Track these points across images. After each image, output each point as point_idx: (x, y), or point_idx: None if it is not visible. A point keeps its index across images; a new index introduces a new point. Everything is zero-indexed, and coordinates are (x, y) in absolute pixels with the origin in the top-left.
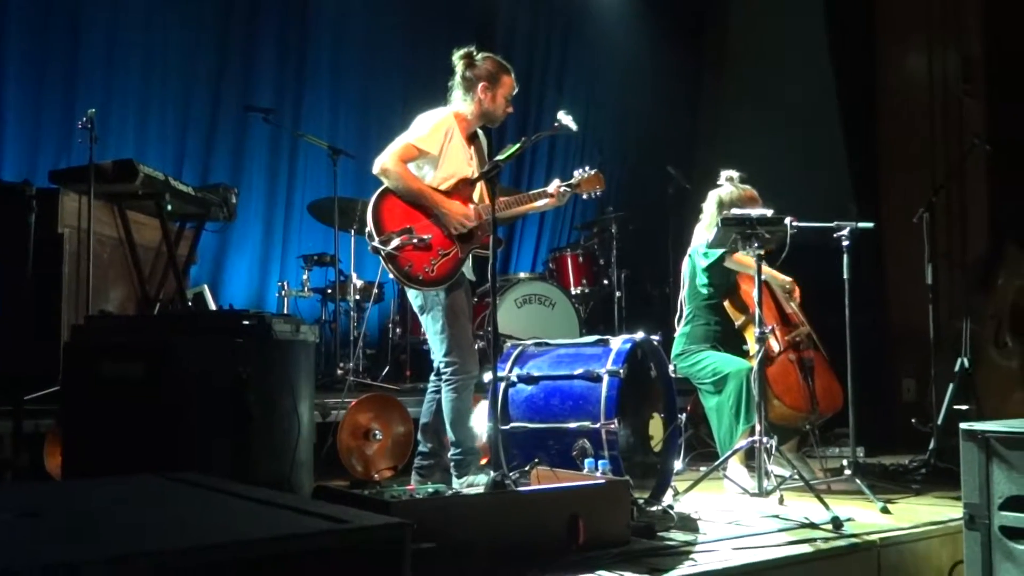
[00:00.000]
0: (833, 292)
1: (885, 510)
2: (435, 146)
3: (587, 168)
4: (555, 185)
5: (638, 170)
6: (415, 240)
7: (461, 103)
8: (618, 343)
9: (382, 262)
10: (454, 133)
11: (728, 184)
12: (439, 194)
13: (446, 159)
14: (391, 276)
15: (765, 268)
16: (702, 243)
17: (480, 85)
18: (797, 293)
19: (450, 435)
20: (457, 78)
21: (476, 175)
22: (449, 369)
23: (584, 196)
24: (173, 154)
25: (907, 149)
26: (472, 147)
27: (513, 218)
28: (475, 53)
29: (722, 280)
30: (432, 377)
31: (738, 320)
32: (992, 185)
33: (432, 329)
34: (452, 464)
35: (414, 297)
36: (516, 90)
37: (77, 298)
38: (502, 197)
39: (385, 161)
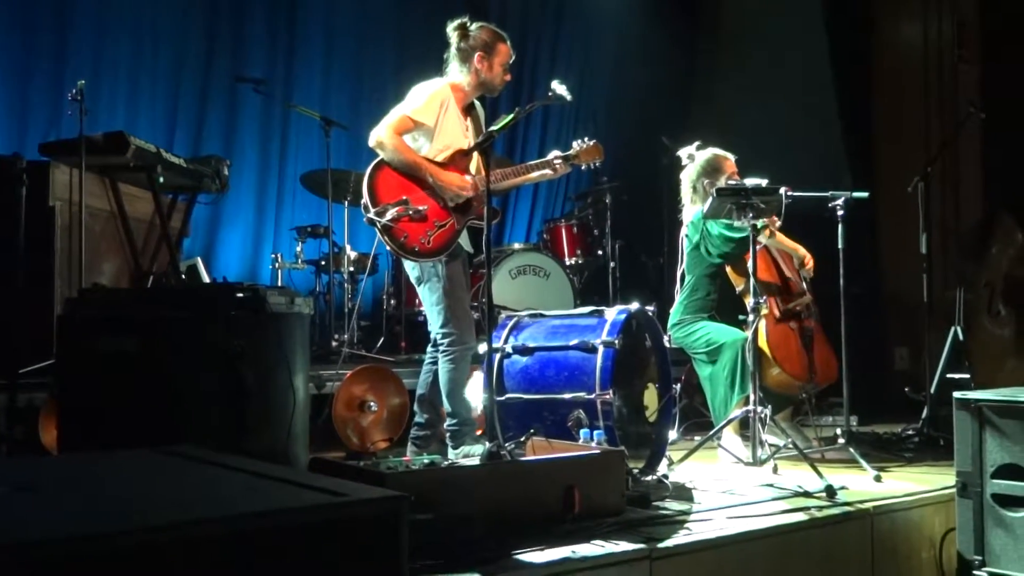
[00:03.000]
0: (827, 261)
1: (878, 478)
2: (431, 117)
3: (586, 139)
4: (554, 155)
5: (632, 140)
6: (411, 212)
7: (457, 74)
8: (613, 314)
9: (378, 234)
10: (450, 104)
11: (692, 161)
12: (435, 165)
13: (442, 130)
14: (387, 248)
15: (784, 239)
16: (697, 213)
17: (476, 55)
18: (810, 265)
19: (446, 406)
20: (452, 49)
21: (466, 144)
22: (446, 340)
23: (583, 167)
24: (164, 126)
25: (902, 117)
26: (468, 118)
27: (511, 189)
28: (469, 24)
29: (742, 251)
30: (429, 348)
31: (739, 286)
32: (986, 153)
33: (429, 300)
34: (448, 434)
35: (411, 269)
36: (513, 58)
37: (70, 271)
38: (500, 169)
39: (380, 133)
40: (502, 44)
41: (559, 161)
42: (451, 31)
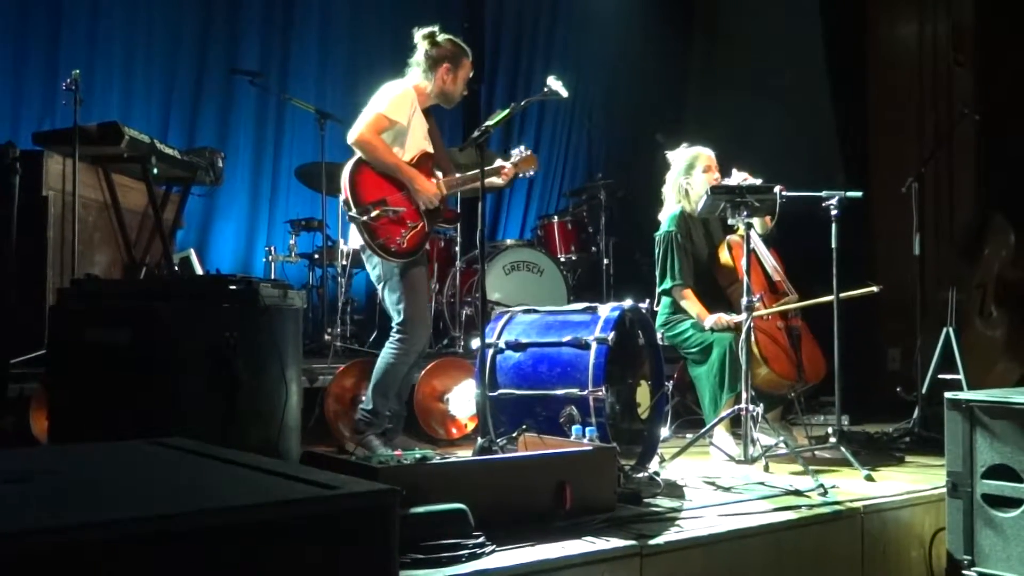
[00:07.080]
0: (821, 261)
1: (869, 478)
2: (404, 117)
3: (523, 148)
4: (499, 163)
5: (627, 137)
6: (390, 213)
7: (421, 79)
8: (606, 310)
9: (357, 230)
10: (416, 106)
11: (675, 163)
12: (413, 169)
13: (412, 131)
14: (364, 244)
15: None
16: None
17: (444, 66)
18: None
19: (368, 394)
20: (420, 56)
21: (429, 147)
22: (398, 336)
23: (519, 175)
24: (158, 117)
25: (896, 118)
26: (428, 123)
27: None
28: (437, 34)
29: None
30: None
31: (728, 285)
32: (980, 155)
33: (390, 300)
34: (356, 420)
35: (372, 267)
36: (471, 75)
37: (62, 262)
38: (449, 177)
39: (364, 134)
40: (466, 59)
41: (505, 168)
42: (420, 38)
